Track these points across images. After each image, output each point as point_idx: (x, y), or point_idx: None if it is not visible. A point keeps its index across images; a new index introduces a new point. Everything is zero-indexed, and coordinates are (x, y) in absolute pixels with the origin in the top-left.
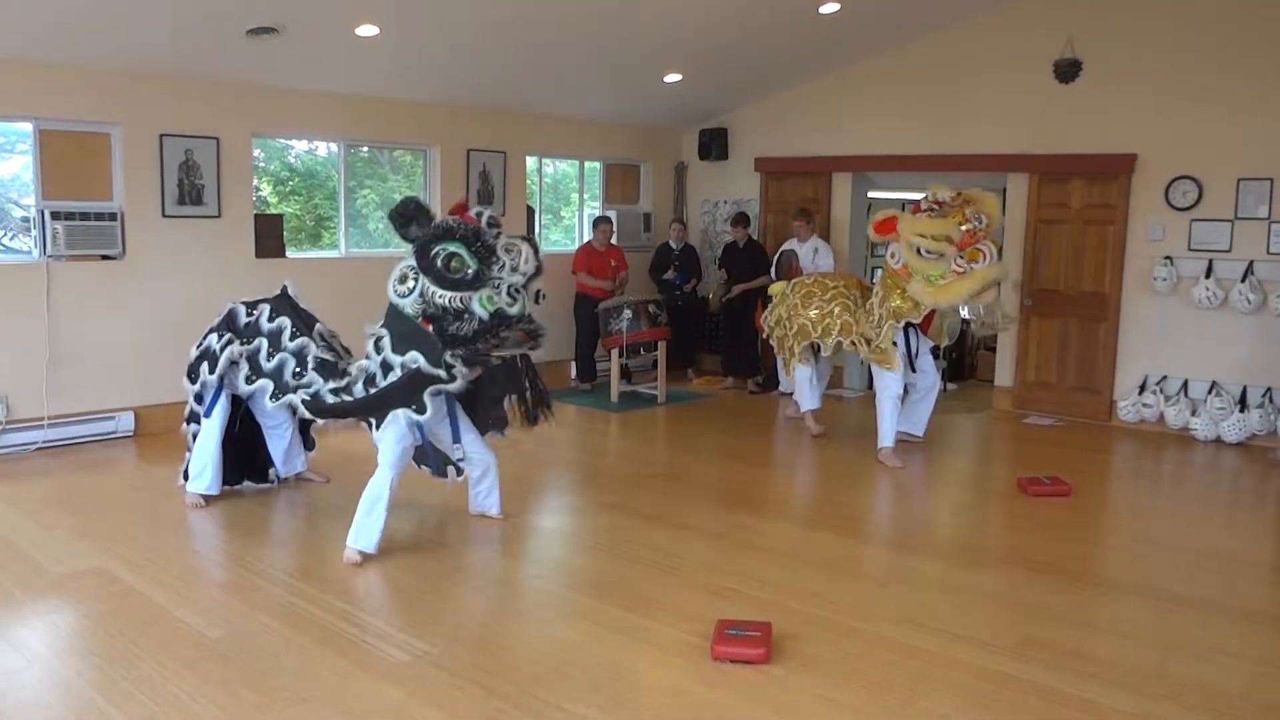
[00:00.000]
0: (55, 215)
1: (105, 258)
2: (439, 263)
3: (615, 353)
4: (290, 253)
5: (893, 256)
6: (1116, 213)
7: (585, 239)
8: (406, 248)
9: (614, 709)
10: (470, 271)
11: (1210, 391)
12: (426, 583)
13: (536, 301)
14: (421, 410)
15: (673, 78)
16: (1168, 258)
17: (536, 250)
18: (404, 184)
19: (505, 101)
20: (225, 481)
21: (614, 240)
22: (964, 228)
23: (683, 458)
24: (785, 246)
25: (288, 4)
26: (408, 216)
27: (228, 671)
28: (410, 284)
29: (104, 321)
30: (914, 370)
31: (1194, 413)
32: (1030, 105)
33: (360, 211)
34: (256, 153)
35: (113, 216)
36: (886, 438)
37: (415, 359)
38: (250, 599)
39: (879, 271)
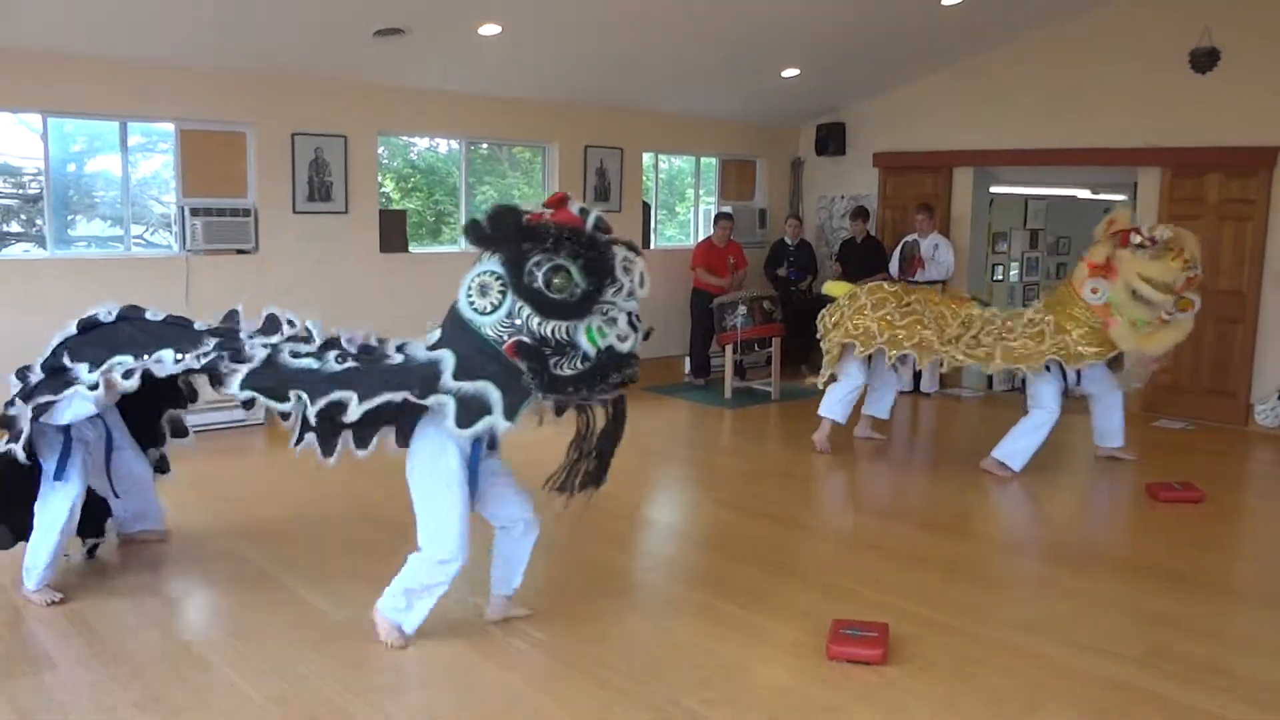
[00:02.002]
0: (194, 211)
1: (240, 252)
2: (539, 279)
3: (729, 349)
4: (412, 248)
5: (1094, 292)
6: (1256, 208)
7: (700, 236)
8: (487, 256)
9: (725, 705)
10: (577, 292)
11: None
12: (543, 573)
13: (645, 338)
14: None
15: (790, 73)
16: None
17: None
18: (522, 180)
19: (622, 98)
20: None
21: (731, 236)
22: (1187, 274)
23: (796, 455)
24: (908, 238)
25: (413, 4)
26: (507, 227)
27: (353, 654)
28: (494, 298)
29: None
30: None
31: None
32: (1163, 97)
33: (480, 207)
34: (381, 150)
35: (247, 213)
36: (1006, 450)
37: (487, 406)
38: (375, 585)
39: (998, 268)
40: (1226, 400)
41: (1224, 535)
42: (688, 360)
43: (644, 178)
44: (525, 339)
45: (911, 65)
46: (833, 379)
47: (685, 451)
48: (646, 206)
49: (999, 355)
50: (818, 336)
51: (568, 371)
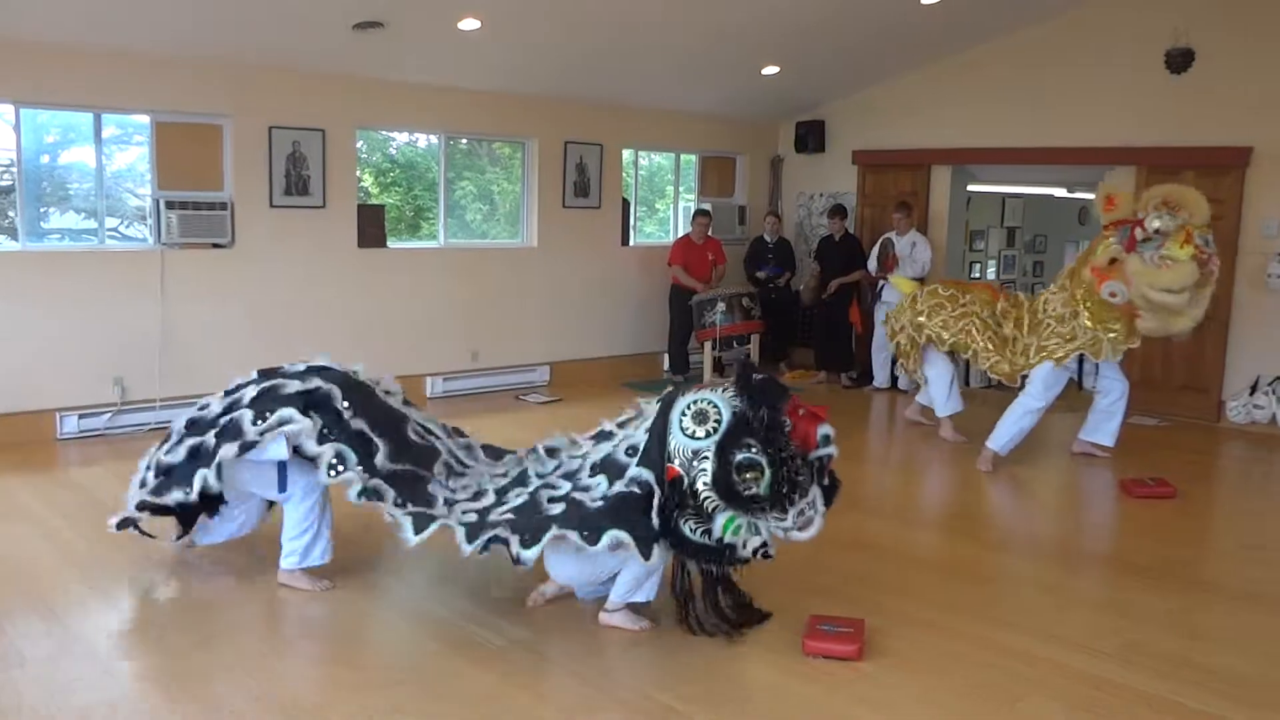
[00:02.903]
0: (169, 204)
1: (216, 246)
2: (735, 459)
3: (708, 345)
4: (391, 243)
5: (1113, 295)
6: (1229, 207)
7: (680, 232)
8: (724, 393)
9: (705, 701)
10: (764, 495)
11: None
12: (522, 569)
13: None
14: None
15: (770, 70)
16: None
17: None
18: (502, 175)
19: (603, 94)
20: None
21: (710, 233)
22: (1200, 259)
23: None
24: (885, 237)
25: None
26: (773, 406)
27: (328, 651)
28: (699, 433)
29: (214, 307)
30: (1080, 386)
31: None
32: (1138, 97)
33: (459, 203)
34: (359, 144)
35: (223, 206)
36: (998, 439)
37: (630, 489)
38: (349, 582)
39: (975, 266)
40: (1199, 397)
41: (1196, 530)
42: (666, 356)
43: (624, 174)
44: (685, 478)
45: (890, 64)
46: (923, 380)
47: None
48: (626, 203)
49: (1033, 353)
50: (888, 337)
51: (687, 532)
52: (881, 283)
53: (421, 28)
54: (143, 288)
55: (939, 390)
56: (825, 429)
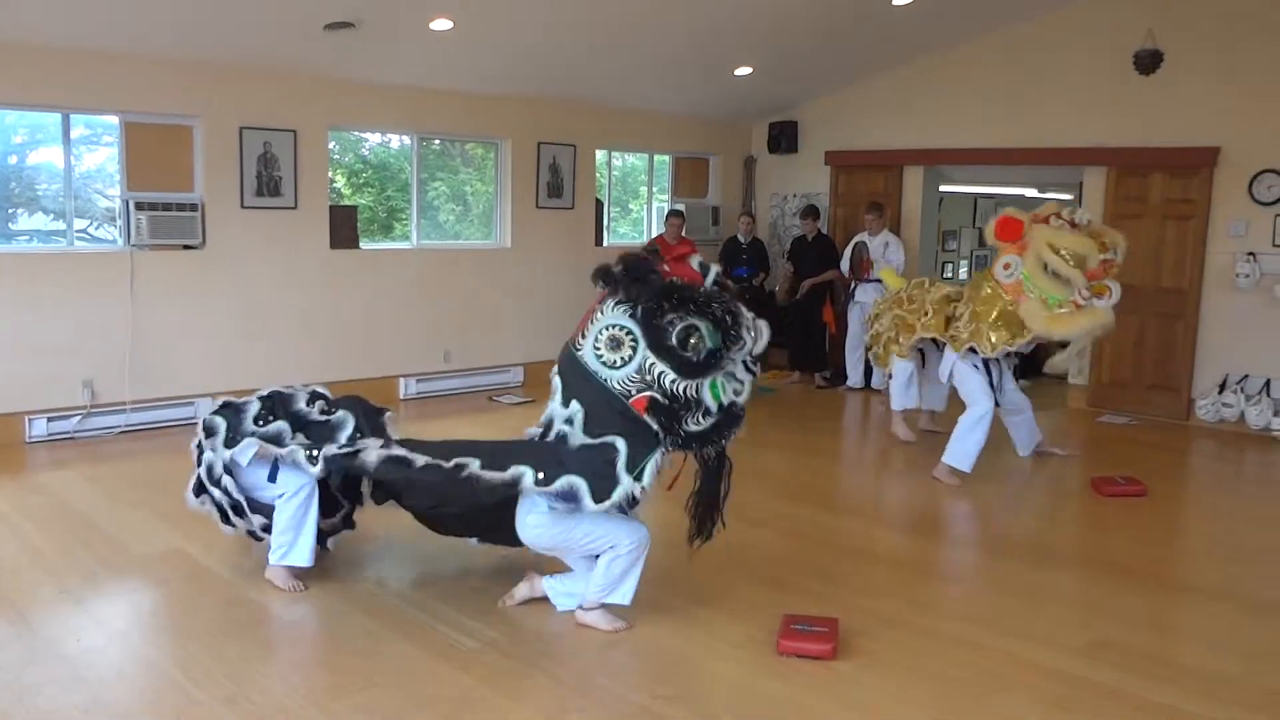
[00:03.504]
0: (139, 206)
1: (186, 247)
2: (673, 337)
3: None
4: (363, 244)
5: (1005, 268)
6: (1197, 207)
7: (653, 233)
8: (615, 308)
9: (678, 701)
10: (704, 352)
11: None
12: (496, 572)
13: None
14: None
15: (743, 71)
16: (1251, 254)
17: None
18: (475, 176)
19: (576, 94)
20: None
21: (684, 234)
22: (1103, 256)
23: (748, 451)
24: (857, 239)
25: None
26: (648, 283)
27: (302, 654)
28: (626, 353)
29: (185, 309)
30: (996, 392)
31: (1276, 413)
32: (1108, 97)
33: (432, 203)
34: (331, 145)
35: (194, 207)
36: (954, 454)
37: (615, 448)
38: (324, 584)
39: (948, 266)
40: (1169, 396)
41: (1166, 528)
42: None
43: (597, 175)
44: (658, 396)
45: (863, 65)
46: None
47: None
48: (600, 203)
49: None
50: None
51: (695, 427)
52: (855, 284)
53: (393, 28)
54: (112, 290)
55: (898, 383)
56: (695, 258)
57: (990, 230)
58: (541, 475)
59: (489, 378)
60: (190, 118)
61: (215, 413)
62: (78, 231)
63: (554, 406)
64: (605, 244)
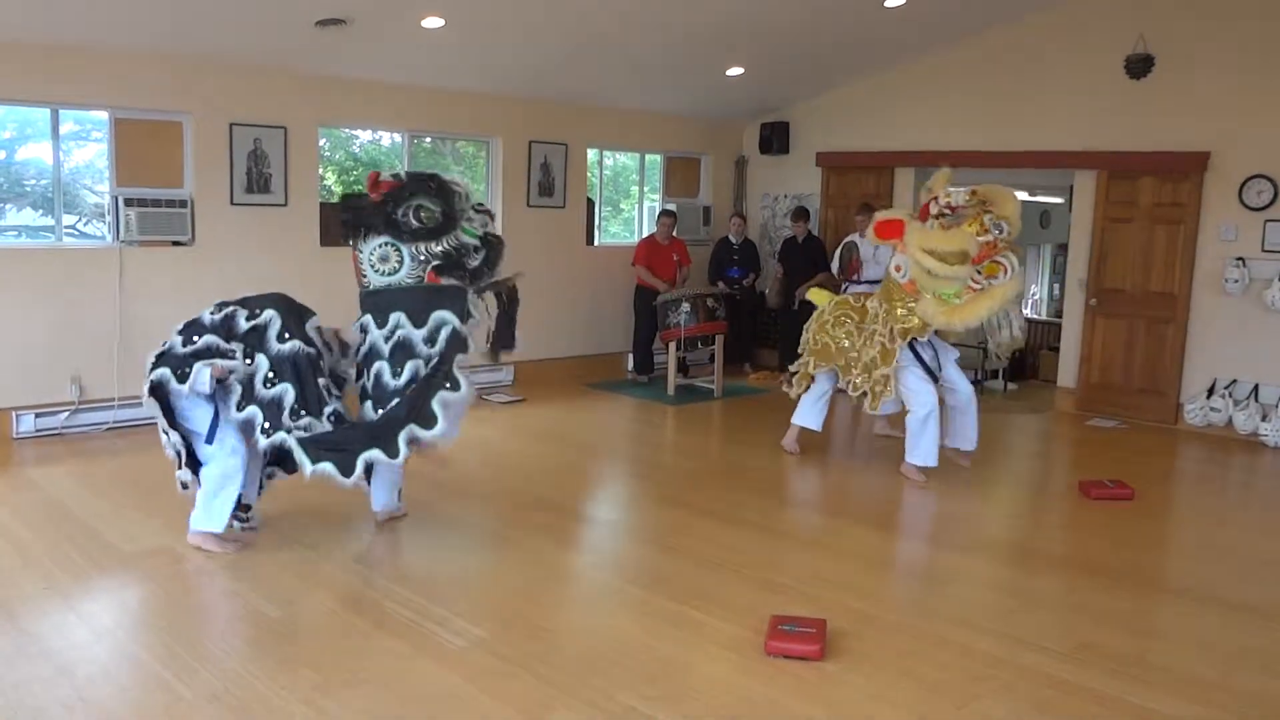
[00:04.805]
0: (128, 202)
1: (176, 244)
2: (413, 221)
3: (672, 346)
4: None
5: (898, 269)
6: (1187, 212)
7: (644, 232)
8: (366, 239)
9: (666, 701)
10: (439, 213)
11: None
12: (484, 570)
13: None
14: (456, 386)
15: (735, 71)
16: (1240, 259)
17: None
18: (466, 174)
19: (568, 94)
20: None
21: (675, 234)
22: (982, 239)
23: (738, 452)
24: (847, 239)
25: None
26: (366, 208)
27: (288, 651)
28: (395, 261)
29: (173, 306)
30: (937, 381)
31: (1264, 418)
32: (1099, 101)
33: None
34: (322, 142)
35: (183, 204)
36: (915, 454)
37: (444, 320)
38: (311, 580)
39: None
40: (1158, 399)
41: (1153, 532)
42: (630, 357)
43: (589, 174)
44: (438, 262)
45: (854, 66)
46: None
47: (627, 448)
48: (591, 203)
49: (880, 360)
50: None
51: (476, 263)
52: (845, 285)
53: (385, 25)
54: (101, 286)
55: (808, 398)
56: (385, 175)
57: (870, 233)
58: (460, 323)
59: (479, 376)
60: (180, 114)
61: (152, 370)
62: (66, 227)
63: (374, 336)
64: (596, 244)
